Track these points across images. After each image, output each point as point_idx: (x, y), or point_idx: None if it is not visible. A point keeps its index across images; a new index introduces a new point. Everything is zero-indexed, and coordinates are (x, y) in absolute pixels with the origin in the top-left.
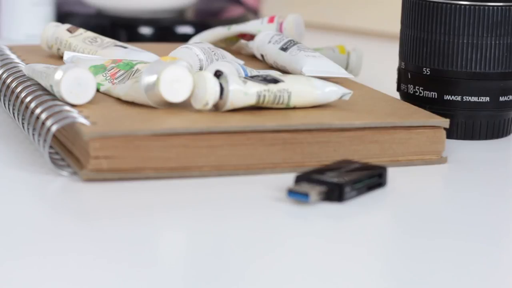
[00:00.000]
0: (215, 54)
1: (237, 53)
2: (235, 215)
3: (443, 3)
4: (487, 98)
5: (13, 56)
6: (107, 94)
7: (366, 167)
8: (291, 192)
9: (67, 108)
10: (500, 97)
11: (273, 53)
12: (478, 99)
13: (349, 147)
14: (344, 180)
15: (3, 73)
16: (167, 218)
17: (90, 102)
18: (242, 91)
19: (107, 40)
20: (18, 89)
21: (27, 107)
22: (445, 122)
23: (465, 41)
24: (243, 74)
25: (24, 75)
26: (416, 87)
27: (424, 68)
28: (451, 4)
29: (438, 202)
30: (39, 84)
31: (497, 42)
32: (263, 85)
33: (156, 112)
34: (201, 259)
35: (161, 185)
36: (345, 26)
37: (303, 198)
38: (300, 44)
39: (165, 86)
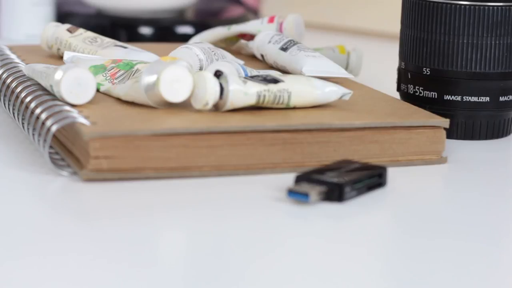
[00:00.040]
0: (215, 54)
1: (237, 53)
2: (235, 215)
3: (443, 3)
4: (487, 98)
5: (13, 56)
6: (107, 94)
7: (366, 167)
8: (291, 192)
9: (67, 108)
10: (500, 97)
11: (273, 53)
12: (478, 99)
13: (349, 147)
14: (344, 180)
15: (3, 73)
16: (167, 218)
17: (90, 102)
18: (242, 91)
19: (107, 40)
20: (18, 89)
21: (27, 107)
22: (445, 122)
23: (465, 41)
24: (243, 74)
25: (24, 75)
26: (416, 87)
27: (424, 68)
28: (451, 4)
29: (438, 202)
30: (39, 84)
31: (497, 42)
32: (263, 85)
33: (156, 112)
34: (201, 259)
35: (161, 185)
36: (345, 26)
37: (303, 198)
38: (300, 44)
39: (165, 86)
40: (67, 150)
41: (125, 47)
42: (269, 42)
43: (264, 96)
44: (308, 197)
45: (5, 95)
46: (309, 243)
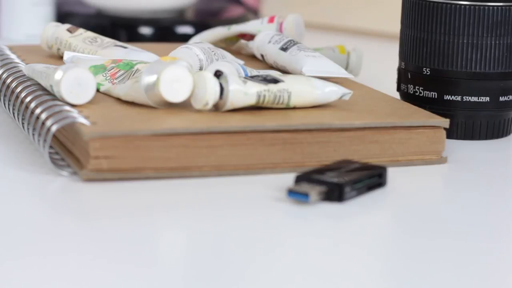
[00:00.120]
0: (215, 54)
1: (237, 53)
2: (235, 215)
3: (443, 3)
4: (487, 98)
5: (13, 56)
6: (107, 94)
7: (366, 167)
8: (291, 192)
9: (67, 108)
10: (500, 97)
11: (273, 53)
12: (478, 99)
13: (349, 147)
14: (344, 180)
15: (3, 73)
16: (167, 218)
17: (90, 102)
18: (242, 91)
19: (107, 40)
20: (18, 89)
21: (27, 107)
22: (445, 122)
23: (465, 41)
24: (243, 74)
25: (24, 75)
26: (416, 87)
27: (424, 68)
28: (451, 4)
29: (438, 202)
30: (39, 84)
31: (497, 42)
32: (263, 85)
33: (156, 112)
34: (201, 259)
35: (161, 185)
36: (345, 26)
37: (303, 198)
38: (300, 44)
39: (165, 86)
40: (67, 150)
41: (125, 47)
42: (269, 42)
43: (264, 96)
44: (308, 197)
45: (5, 95)
46: (309, 243)
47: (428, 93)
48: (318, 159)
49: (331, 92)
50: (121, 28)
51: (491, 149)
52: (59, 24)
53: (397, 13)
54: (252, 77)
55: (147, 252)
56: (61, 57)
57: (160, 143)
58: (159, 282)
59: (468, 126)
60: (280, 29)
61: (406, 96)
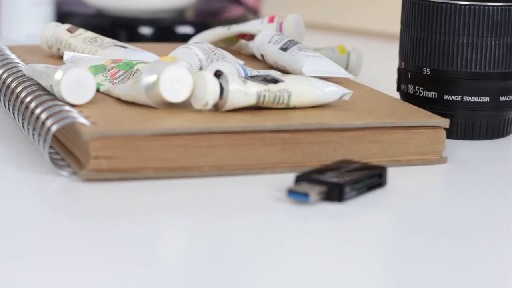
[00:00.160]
0: (215, 54)
1: (237, 53)
2: (235, 215)
3: (443, 3)
4: (487, 98)
5: (13, 56)
6: (107, 94)
7: (366, 167)
8: (291, 192)
9: (67, 108)
10: (500, 97)
11: (273, 53)
12: (478, 99)
13: (349, 147)
14: (344, 180)
15: (3, 73)
16: (167, 218)
17: (90, 102)
18: (242, 91)
19: (107, 40)
20: (18, 89)
21: (27, 107)
22: (445, 122)
23: (465, 41)
24: (243, 74)
25: (24, 75)
26: (416, 87)
27: (424, 68)
28: (451, 4)
29: (438, 202)
30: (39, 84)
31: (497, 42)
32: (263, 85)
33: (156, 112)
34: (201, 259)
35: (161, 185)
36: (345, 26)
37: (303, 198)
38: (300, 44)
39: (165, 86)
40: (67, 150)
41: (125, 47)
42: (269, 42)
43: (264, 96)
44: (308, 197)
45: (5, 95)
46: (309, 243)
47: (428, 93)
48: (318, 159)
49: (331, 92)
50: (121, 28)
51: (491, 149)
52: (59, 24)
53: (397, 13)
54: (252, 77)
55: (147, 252)
56: (61, 57)
57: (160, 143)
58: (159, 282)
59: (468, 126)
60: (280, 29)
61: (406, 96)
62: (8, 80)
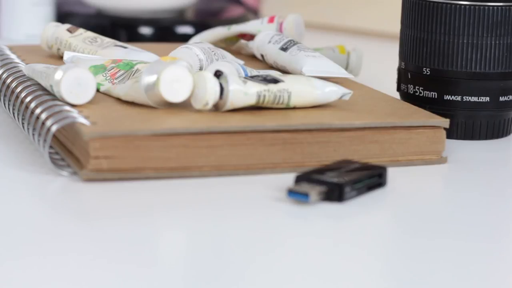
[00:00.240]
0: (215, 54)
1: (237, 53)
2: (235, 215)
3: (443, 3)
4: (487, 98)
5: (13, 56)
6: (107, 94)
7: (366, 167)
8: (291, 192)
9: (67, 108)
10: (500, 97)
11: (273, 53)
12: (478, 99)
13: (349, 147)
14: (344, 180)
15: (3, 73)
16: (167, 218)
17: (90, 102)
18: (242, 91)
19: (107, 40)
20: (18, 89)
21: (27, 107)
22: (445, 122)
23: (465, 41)
24: (243, 74)
25: (24, 75)
26: (416, 87)
27: (424, 68)
28: (451, 4)
29: (438, 202)
30: (39, 84)
31: (497, 42)
32: (263, 85)
33: (156, 112)
34: (201, 259)
35: (161, 185)
36: (345, 26)
37: (303, 198)
38: (300, 44)
39: (165, 86)
40: (67, 150)
41: (125, 47)
42: (269, 42)
43: (264, 96)
44: (308, 197)
45: (5, 95)
46: (309, 243)
47: (428, 93)
48: (318, 159)
49: (331, 92)
50: (121, 28)
51: (491, 149)
52: (59, 24)
53: (397, 13)
54: (252, 77)
55: (147, 252)
56: (61, 57)
57: (160, 143)
58: (159, 282)
59: (468, 126)
60: (280, 29)
61: (406, 96)
62: (8, 80)
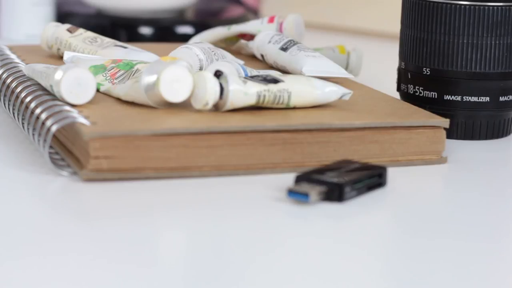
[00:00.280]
0: (215, 54)
1: (237, 53)
2: (235, 215)
3: (443, 3)
4: (487, 98)
5: (13, 56)
6: (107, 94)
7: (366, 167)
8: (291, 192)
9: (67, 108)
10: (500, 97)
11: (273, 53)
12: (478, 99)
13: (349, 147)
14: (344, 180)
15: (3, 73)
16: (167, 218)
17: (90, 102)
18: (242, 91)
19: (107, 40)
20: (18, 89)
21: (27, 107)
22: (445, 122)
23: (465, 41)
24: (243, 74)
25: (24, 75)
26: (416, 87)
27: (424, 68)
28: (451, 4)
29: (438, 202)
30: (39, 84)
31: (497, 42)
32: (263, 85)
33: (156, 112)
34: (201, 259)
35: (161, 185)
36: (345, 26)
37: (303, 198)
38: (300, 44)
39: (165, 86)
40: (67, 150)
41: (125, 47)
42: (269, 42)
43: (264, 96)
44: (308, 197)
45: (5, 95)
46: (309, 243)
47: (428, 93)
48: (318, 159)
49: (331, 92)
50: (121, 28)
51: (491, 149)
52: (59, 24)
53: (397, 13)
54: (252, 77)
55: (147, 252)
56: (61, 57)
57: (160, 143)
58: (159, 282)
59: (468, 126)
60: (280, 29)
61: (406, 96)
62: (8, 80)
